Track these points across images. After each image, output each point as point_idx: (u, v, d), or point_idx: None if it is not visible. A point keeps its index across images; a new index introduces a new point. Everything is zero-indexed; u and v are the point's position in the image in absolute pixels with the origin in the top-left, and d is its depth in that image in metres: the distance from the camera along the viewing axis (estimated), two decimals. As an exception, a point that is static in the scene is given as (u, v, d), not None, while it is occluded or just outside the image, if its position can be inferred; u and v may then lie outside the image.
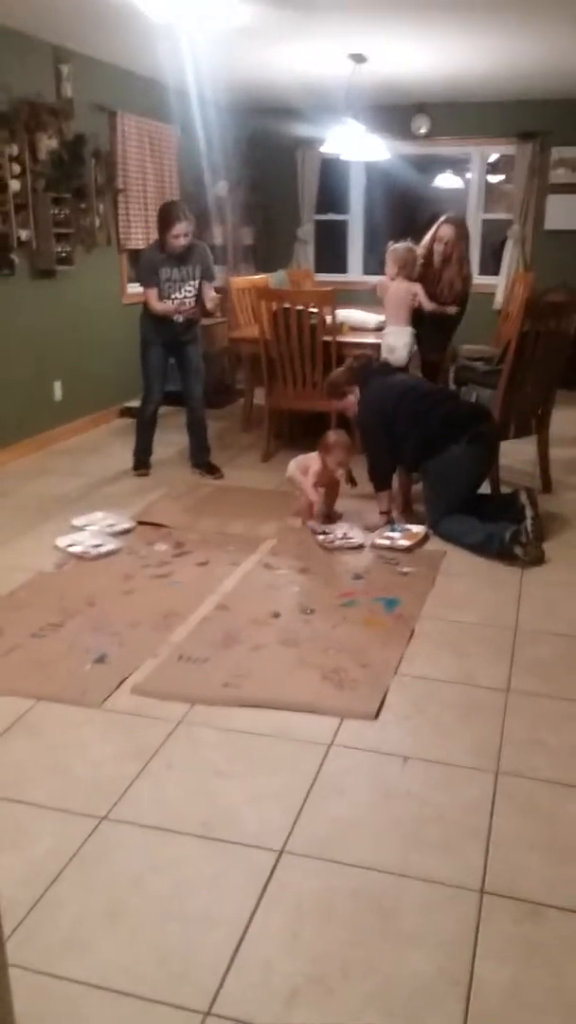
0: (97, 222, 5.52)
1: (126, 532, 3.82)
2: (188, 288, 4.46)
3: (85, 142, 5.25)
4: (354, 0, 3.96)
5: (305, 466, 3.86)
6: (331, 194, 7.71)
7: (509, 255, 7.09)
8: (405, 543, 3.58)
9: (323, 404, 4.49)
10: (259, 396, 5.31)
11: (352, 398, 3.85)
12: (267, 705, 2.48)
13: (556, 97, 6.58)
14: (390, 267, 4.67)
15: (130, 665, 2.69)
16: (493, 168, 7.45)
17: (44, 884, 1.83)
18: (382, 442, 3.77)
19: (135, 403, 6.12)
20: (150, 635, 2.89)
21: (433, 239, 4.81)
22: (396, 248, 4.67)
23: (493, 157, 7.37)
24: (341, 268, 7.77)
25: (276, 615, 3.03)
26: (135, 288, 6.24)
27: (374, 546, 3.59)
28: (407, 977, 1.61)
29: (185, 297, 4.45)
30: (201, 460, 4.75)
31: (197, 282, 4.47)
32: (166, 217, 4.32)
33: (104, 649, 2.79)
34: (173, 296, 4.44)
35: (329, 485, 3.88)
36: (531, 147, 6.78)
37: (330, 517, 3.89)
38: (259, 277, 5.87)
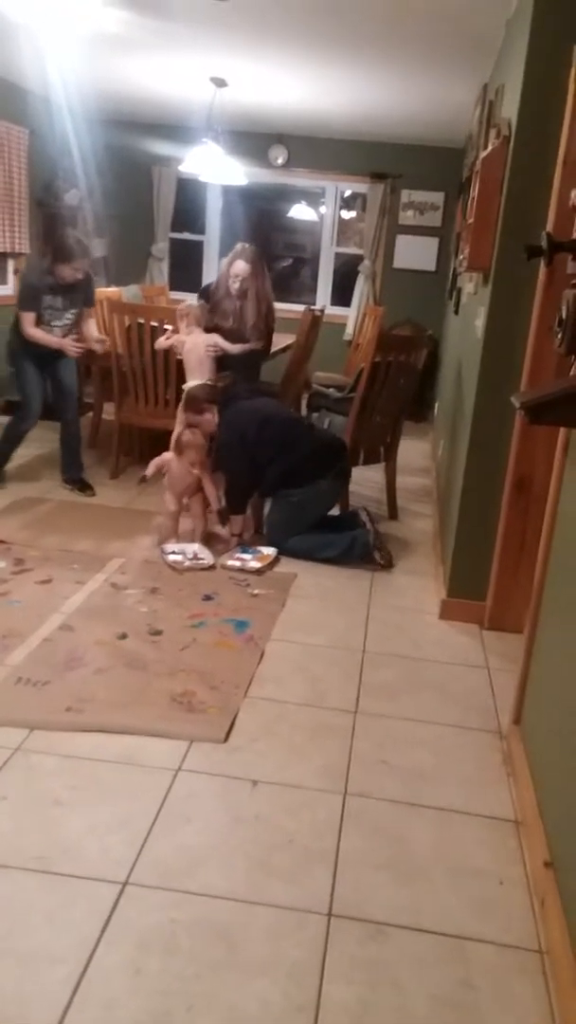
0: None
1: (-38, 547, 3.59)
2: (68, 317, 4.34)
3: None
4: (215, 14, 3.97)
5: (161, 463, 3.82)
6: (187, 213, 7.71)
7: (360, 289, 7.33)
8: (256, 564, 3.58)
9: (174, 422, 4.42)
10: (107, 411, 5.18)
11: (209, 416, 3.81)
12: (112, 730, 2.38)
13: (408, 142, 6.90)
14: (185, 325, 4.40)
15: (-37, 689, 2.52)
16: (346, 204, 7.70)
17: None
18: (242, 464, 3.75)
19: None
20: (-14, 657, 2.72)
21: (227, 275, 4.58)
22: (190, 307, 4.43)
23: (347, 193, 7.62)
24: (196, 287, 7.73)
25: (123, 636, 2.93)
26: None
27: (224, 567, 3.56)
28: (254, 1007, 1.56)
29: (65, 324, 4.33)
30: (75, 475, 4.56)
31: (77, 311, 4.37)
32: (66, 251, 4.15)
33: None
34: (53, 324, 4.29)
35: (193, 492, 3.82)
36: (383, 187, 7.07)
37: (202, 534, 3.85)
38: (112, 290, 5.74)
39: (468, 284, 4.02)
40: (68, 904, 1.77)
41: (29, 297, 4.24)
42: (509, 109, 3.16)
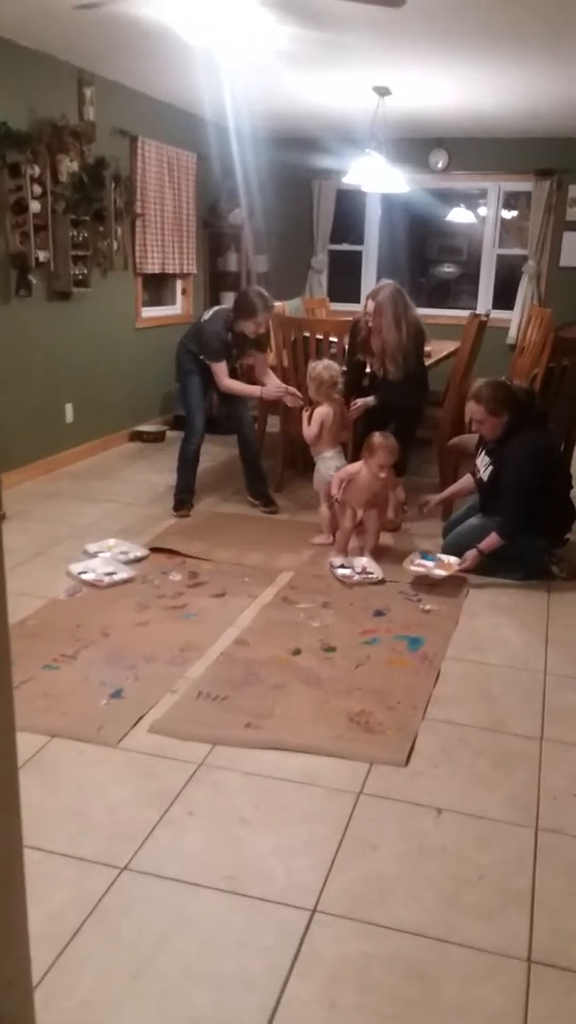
0: (115, 245, 5.48)
1: (139, 560, 3.73)
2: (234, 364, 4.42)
3: (106, 165, 5.22)
4: (381, 27, 3.94)
5: (346, 476, 3.75)
6: (346, 224, 7.72)
7: (523, 290, 7.08)
8: (441, 573, 3.48)
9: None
10: (271, 423, 5.24)
11: (498, 420, 3.56)
12: (292, 748, 2.38)
13: (575, 135, 6.60)
14: (313, 391, 4.04)
15: (147, 701, 2.59)
16: (507, 204, 7.46)
17: (63, 940, 1.72)
18: (533, 494, 3.52)
19: (148, 427, 6.09)
20: (167, 669, 2.79)
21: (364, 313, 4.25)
22: (313, 368, 4.04)
23: (508, 192, 7.37)
24: (355, 297, 7.75)
25: (297, 652, 2.93)
26: (150, 312, 6.26)
27: (409, 569, 3.49)
28: (455, 1056, 1.50)
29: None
30: (260, 490, 4.54)
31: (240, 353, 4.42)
32: (250, 308, 4.19)
33: (120, 683, 2.68)
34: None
35: (371, 502, 3.75)
36: (548, 184, 6.80)
37: (372, 549, 3.80)
38: (276, 304, 5.82)
39: None
40: (259, 928, 1.77)
41: (219, 349, 4.25)
42: None
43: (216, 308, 4.46)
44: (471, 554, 3.52)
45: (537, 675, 2.84)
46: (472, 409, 3.57)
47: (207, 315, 4.38)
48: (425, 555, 3.61)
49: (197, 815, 2.11)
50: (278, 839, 2.03)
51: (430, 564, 3.53)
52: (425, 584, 3.47)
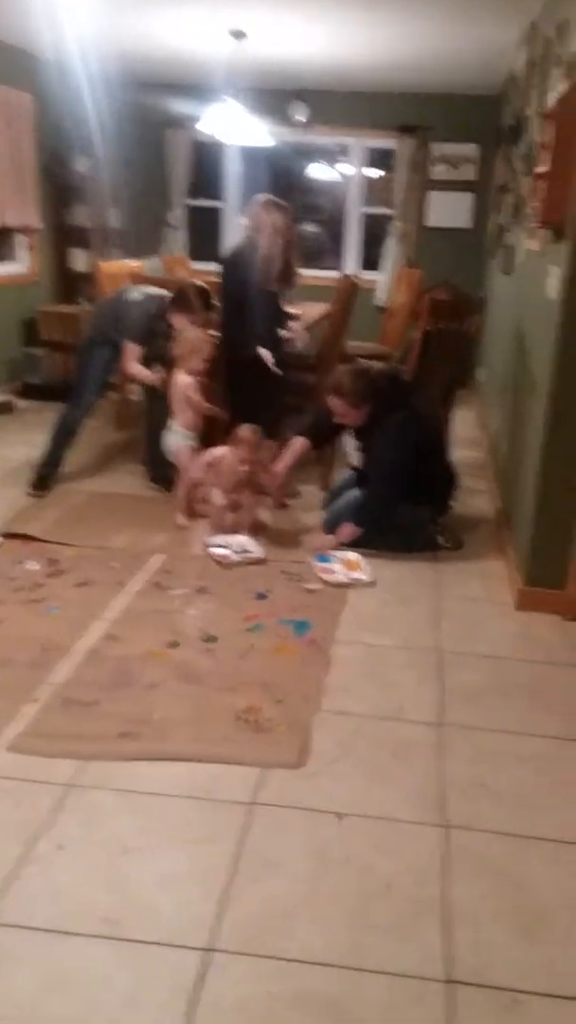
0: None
1: (-9, 547, 3.34)
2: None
3: None
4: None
5: (211, 460, 3.52)
6: (204, 178, 7.33)
7: (390, 251, 6.96)
8: (359, 576, 3.20)
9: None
10: (134, 391, 4.90)
11: (361, 412, 3.42)
12: (175, 757, 2.13)
13: (438, 91, 6.48)
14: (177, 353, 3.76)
15: (3, 715, 2.26)
16: (372, 161, 7.29)
17: None
18: (403, 470, 3.39)
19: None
20: (26, 674, 2.47)
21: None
22: (184, 331, 3.78)
23: (371, 149, 7.21)
24: (215, 257, 7.38)
25: (174, 644, 2.67)
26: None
27: (326, 583, 3.16)
28: None
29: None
30: (163, 473, 4.01)
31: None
32: (187, 304, 3.84)
33: (-28, 694, 2.35)
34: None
35: (238, 487, 3.52)
36: (412, 141, 6.66)
37: (251, 526, 3.56)
38: (132, 263, 5.43)
39: (527, 241, 3.68)
40: (148, 979, 1.53)
41: (142, 331, 3.88)
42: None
43: (146, 289, 4.08)
44: (347, 528, 3.41)
45: (431, 654, 2.70)
46: (334, 403, 3.42)
47: (135, 294, 4.02)
48: (322, 557, 3.32)
49: (68, 847, 1.83)
50: (164, 867, 1.79)
51: (337, 567, 3.24)
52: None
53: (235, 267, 3.95)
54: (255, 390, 3.86)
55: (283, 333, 4.04)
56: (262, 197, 4.04)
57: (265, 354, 3.82)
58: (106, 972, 1.54)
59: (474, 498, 4.14)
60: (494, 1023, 1.48)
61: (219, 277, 4.07)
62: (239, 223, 4.14)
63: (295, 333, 4.09)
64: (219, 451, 3.51)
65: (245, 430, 3.43)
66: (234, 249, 4.14)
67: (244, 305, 3.87)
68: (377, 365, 3.90)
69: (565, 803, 2.04)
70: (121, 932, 1.63)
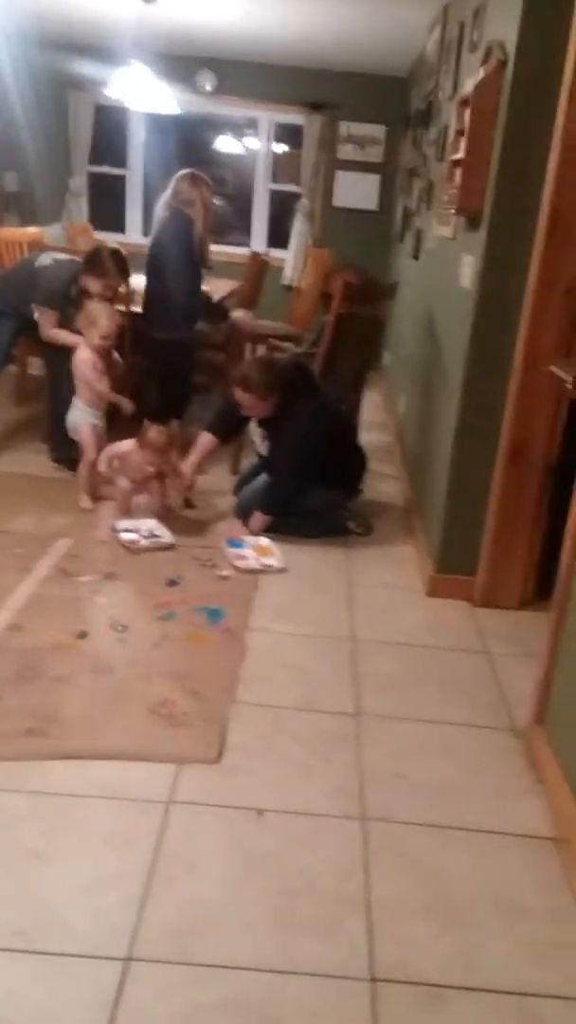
0: None
1: None
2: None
3: None
4: None
5: (116, 454, 3.41)
6: (107, 144, 7.06)
7: (297, 229, 6.89)
8: (270, 562, 3.15)
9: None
10: (33, 365, 4.69)
11: (269, 404, 3.36)
12: (86, 755, 2.05)
13: (347, 69, 6.42)
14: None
15: None
16: (279, 137, 7.19)
17: None
18: (312, 457, 3.36)
19: None
20: None
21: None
22: (91, 302, 3.69)
23: (280, 124, 7.10)
24: (119, 227, 7.18)
25: (83, 635, 2.57)
26: None
27: (238, 569, 3.10)
28: None
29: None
30: (67, 452, 3.83)
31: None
32: (100, 267, 3.73)
33: None
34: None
35: (145, 482, 3.43)
36: (320, 118, 6.60)
37: (159, 510, 3.46)
38: (32, 230, 5.17)
39: (439, 227, 3.69)
40: (65, 996, 1.46)
41: (57, 297, 3.75)
42: (498, 31, 2.81)
43: (56, 255, 3.91)
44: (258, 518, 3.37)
45: (344, 642, 2.70)
46: (241, 397, 3.36)
47: (45, 259, 3.86)
48: (232, 542, 3.26)
49: (-25, 857, 1.73)
50: (77, 873, 1.72)
51: (249, 553, 3.18)
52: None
53: (169, 243, 3.87)
54: (172, 371, 3.78)
55: (237, 314, 4.03)
56: (187, 171, 3.99)
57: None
58: (20, 987, 1.47)
59: (383, 483, 4.17)
60: (417, 1019, 1.49)
61: (149, 251, 3.97)
62: (164, 197, 4.03)
63: (243, 319, 4.06)
64: (125, 446, 3.38)
65: (154, 432, 3.29)
66: (164, 223, 4.03)
67: (175, 281, 3.81)
68: (283, 355, 3.87)
69: (480, 791, 2.08)
70: (34, 945, 1.55)
